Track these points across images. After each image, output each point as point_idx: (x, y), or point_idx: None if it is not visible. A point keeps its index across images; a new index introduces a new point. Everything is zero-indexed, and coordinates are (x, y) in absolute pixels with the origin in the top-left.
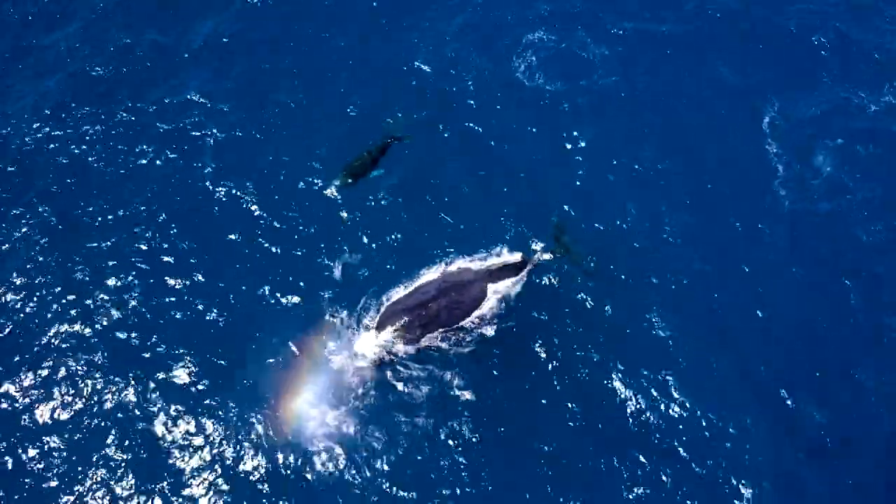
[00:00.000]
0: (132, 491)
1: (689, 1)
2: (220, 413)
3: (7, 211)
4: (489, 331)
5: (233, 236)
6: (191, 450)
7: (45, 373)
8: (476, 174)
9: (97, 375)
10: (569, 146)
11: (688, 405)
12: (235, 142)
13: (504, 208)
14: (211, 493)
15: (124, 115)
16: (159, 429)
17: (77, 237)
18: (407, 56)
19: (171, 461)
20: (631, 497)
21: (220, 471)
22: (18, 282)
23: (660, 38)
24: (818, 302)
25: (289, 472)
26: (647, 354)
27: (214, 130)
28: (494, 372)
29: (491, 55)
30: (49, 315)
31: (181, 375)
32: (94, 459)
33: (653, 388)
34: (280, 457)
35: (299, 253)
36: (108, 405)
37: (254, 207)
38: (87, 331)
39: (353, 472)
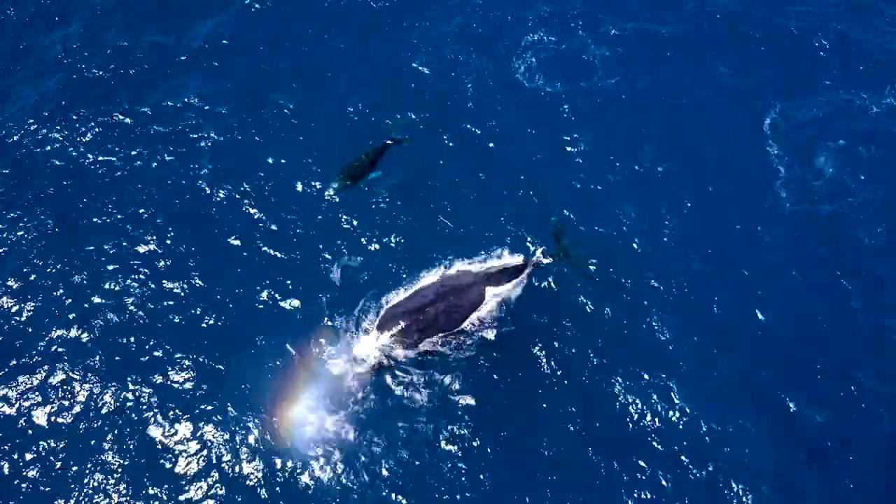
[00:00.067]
0: (129, 496)
1: (689, 1)
2: (218, 417)
3: (5, 213)
4: (489, 334)
5: (231, 239)
6: (188, 454)
7: (41, 376)
8: (475, 176)
9: (94, 379)
10: (569, 148)
11: (688, 408)
12: (233, 144)
13: (503, 210)
14: (208, 498)
15: (123, 116)
16: (156, 433)
17: (75, 239)
18: (406, 57)
19: (168, 466)
20: (631, 501)
21: (217, 476)
22: (15, 284)
23: (660, 40)
24: (819, 304)
25: (287, 477)
26: (647, 357)
27: (212, 132)
28: (494, 376)
29: (491, 56)
30: (46, 318)
31: (178, 379)
32: (91, 463)
33: (653, 391)
34: (278, 462)
35: (297, 255)
36: (105, 409)
37: (252, 210)
38: (85, 334)
39: (352, 477)
